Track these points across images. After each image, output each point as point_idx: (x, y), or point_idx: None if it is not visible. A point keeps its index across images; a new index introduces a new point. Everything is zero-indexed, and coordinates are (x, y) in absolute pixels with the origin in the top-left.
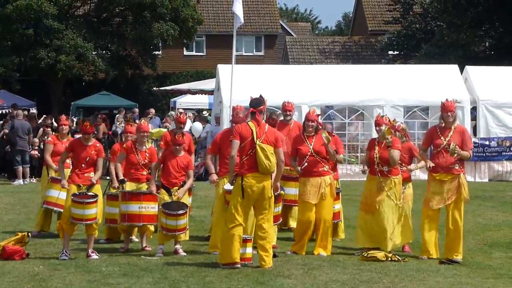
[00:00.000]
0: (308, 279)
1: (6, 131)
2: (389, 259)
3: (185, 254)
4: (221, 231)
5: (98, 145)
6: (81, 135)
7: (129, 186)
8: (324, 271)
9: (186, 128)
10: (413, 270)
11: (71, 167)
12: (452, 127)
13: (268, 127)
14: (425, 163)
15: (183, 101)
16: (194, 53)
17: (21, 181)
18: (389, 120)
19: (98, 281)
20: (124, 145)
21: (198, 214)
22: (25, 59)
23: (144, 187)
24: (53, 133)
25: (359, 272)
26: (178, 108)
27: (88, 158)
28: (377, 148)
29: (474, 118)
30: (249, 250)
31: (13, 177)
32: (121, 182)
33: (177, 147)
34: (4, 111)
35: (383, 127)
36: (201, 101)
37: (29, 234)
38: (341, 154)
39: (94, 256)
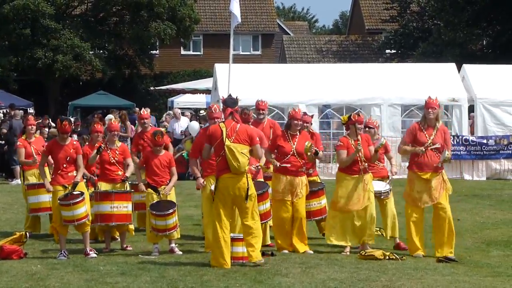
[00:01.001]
0: (306, 277)
1: (4, 131)
2: (387, 257)
3: (181, 252)
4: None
5: (75, 142)
6: (57, 136)
7: (105, 187)
8: (322, 270)
9: (183, 127)
10: (411, 268)
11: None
12: (435, 127)
13: (240, 126)
14: (419, 149)
15: (180, 101)
16: (191, 52)
17: (18, 181)
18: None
19: (96, 280)
20: (96, 145)
21: (195, 213)
22: (22, 59)
23: (119, 187)
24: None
25: (357, 271)
26: (175, 108)
27: (68, 157)
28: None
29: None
30: (245, 249)
31: (11, 177)
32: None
33: (158, 148)
34: (2, 111)
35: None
36: (199, 100)
37: (27, 233)
38: (321, 150)
39: (93, 254)
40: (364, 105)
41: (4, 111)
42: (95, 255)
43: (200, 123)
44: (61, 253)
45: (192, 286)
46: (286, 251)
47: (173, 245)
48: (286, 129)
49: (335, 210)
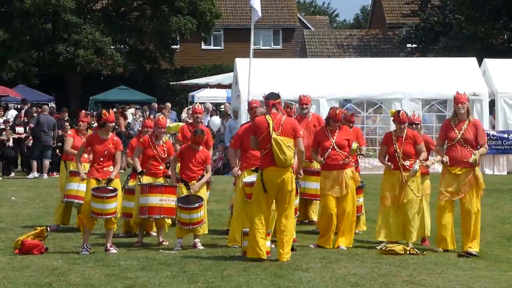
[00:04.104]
0: (326, 272)
1: (32, 125)
2: (408, 252)
3: (203, 247)
4: (241, 225)
5: (115, 138)
6: (99, 130)
7: (146, 180)
8: (342, 265)
9: (204, 122)
10: (431, 263)
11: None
12: (466, 121)
13: (285, 118)
14: (441, 158)
15: (201, 95)
16: (212, 47)
17: (35, 174)
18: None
19: (117, 275)
20: (141, 139)
21: (216, 208)
22: (44, 54)
23: (160, 181)
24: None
25: (377, 266)
26: (196, 102)
27: (106, 151)
28: (396, 142)
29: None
30: (267, 243)
31: (28, 171)
32: (140, 173)
33: (196, 145)
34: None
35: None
36: (219, 95)
37: (48, 228)
38: (363, 146)
39: (113, 250)
40: (385, 100)
41: (19, 106)
42: (115, 251)
43: (221, 117)
44: (84, 247)
45: (212, 281)
46: (312, 246)
47: (196, 240)
48: (325, 125)
49: (381, 204)
